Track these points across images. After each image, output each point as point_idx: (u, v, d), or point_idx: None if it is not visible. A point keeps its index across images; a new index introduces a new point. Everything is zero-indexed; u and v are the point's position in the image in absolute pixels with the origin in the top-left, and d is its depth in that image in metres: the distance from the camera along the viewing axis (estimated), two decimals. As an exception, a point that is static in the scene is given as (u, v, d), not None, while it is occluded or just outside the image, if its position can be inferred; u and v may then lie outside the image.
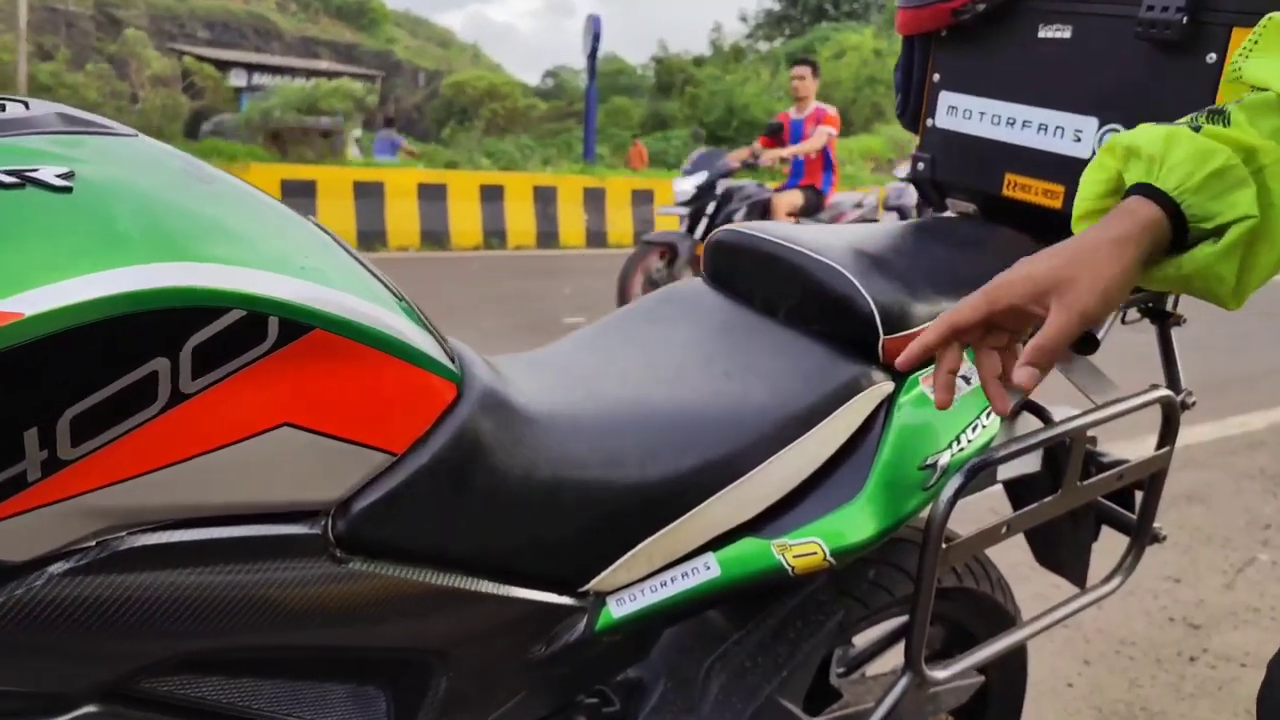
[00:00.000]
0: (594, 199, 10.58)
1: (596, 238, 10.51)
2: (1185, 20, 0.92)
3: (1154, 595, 2.31)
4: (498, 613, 0.77)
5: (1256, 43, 0.70)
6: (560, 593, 0.80)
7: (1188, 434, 1.10)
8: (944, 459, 0.93)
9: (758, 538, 0.87)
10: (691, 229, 5.50)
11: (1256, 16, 0.74)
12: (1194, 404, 1.11)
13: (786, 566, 0.86)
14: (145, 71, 16.45)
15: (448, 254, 9.19)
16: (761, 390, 0.90)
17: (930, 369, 0.86)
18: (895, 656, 1.10)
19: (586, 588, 0.82)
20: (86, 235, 0.54)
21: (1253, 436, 3.69)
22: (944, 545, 0.90)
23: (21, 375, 0.51)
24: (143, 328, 0.54)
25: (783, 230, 1.03)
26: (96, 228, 0.54)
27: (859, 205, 6.07)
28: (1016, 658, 1.31)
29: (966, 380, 0.95)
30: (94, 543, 0.58)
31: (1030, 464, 1.10)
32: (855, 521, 0.88)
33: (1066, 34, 1.05)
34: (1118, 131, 0.98)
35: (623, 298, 5.37)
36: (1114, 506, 1.15)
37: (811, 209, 5.79)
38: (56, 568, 0.57)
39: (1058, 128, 1.07)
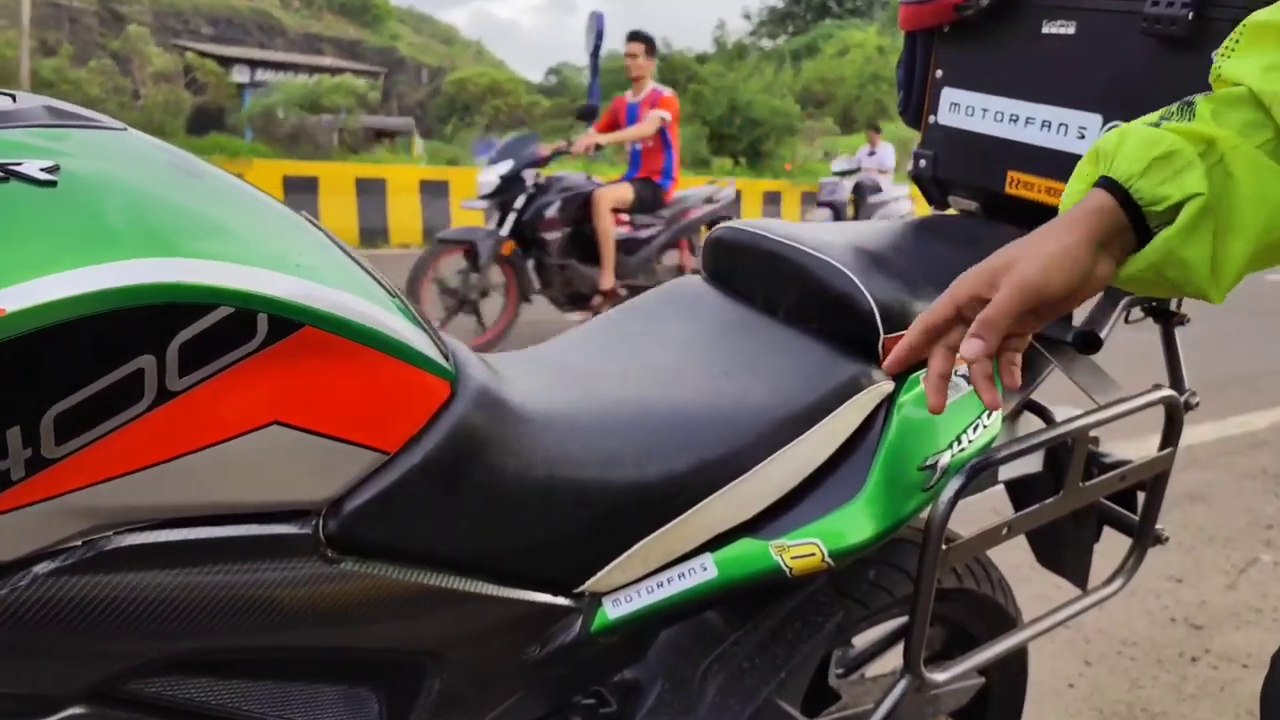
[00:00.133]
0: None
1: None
2: (1191, 16, 0.91)
3: (1156, 595, 2.30)
4: (492, 613, 0.76)
5: (1238, 42, 0.70)
6: (556, 593, 0.79)
7: (1189, 433, 1.10)
8: (944, 459, 0.92)
9: (756, 538, 0.86)
10: (501, 224, 4.86)
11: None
12: (1198, 404, 1.10)
13: (784, 567, 0.85)
14: (147, 68, 16.45)
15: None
16: (760, 389, 0.89)
17: None
18: (895, 657, 1.09)
19: (582, 588, 0.81)
20: (71, 230, 0.53)
21: (1255, 436, 3.68)
22: (944, 546, 0.90)
23: (3, 372, 0.50)
24: (128, 324, 0.53)
25: (783, 228, 1.02)
26: (81, 222, 0.53)
27: (710, 200, 5.45)
28: (1017, 659, 1.30)
29: (967, 380, 0.94)
30: (80, 542, 0.57)
31: (1032, 464, 1.09)
32: (854, 522, 0.87)
33: (1071, 29, 1.04)
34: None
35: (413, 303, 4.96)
36: (1116, 507, 1.14)
37: (647, 204, 5.21)
38: (42, 568, 0.56)
39: (1061, 124, 1.06)
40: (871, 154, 10.58)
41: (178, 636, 0.62)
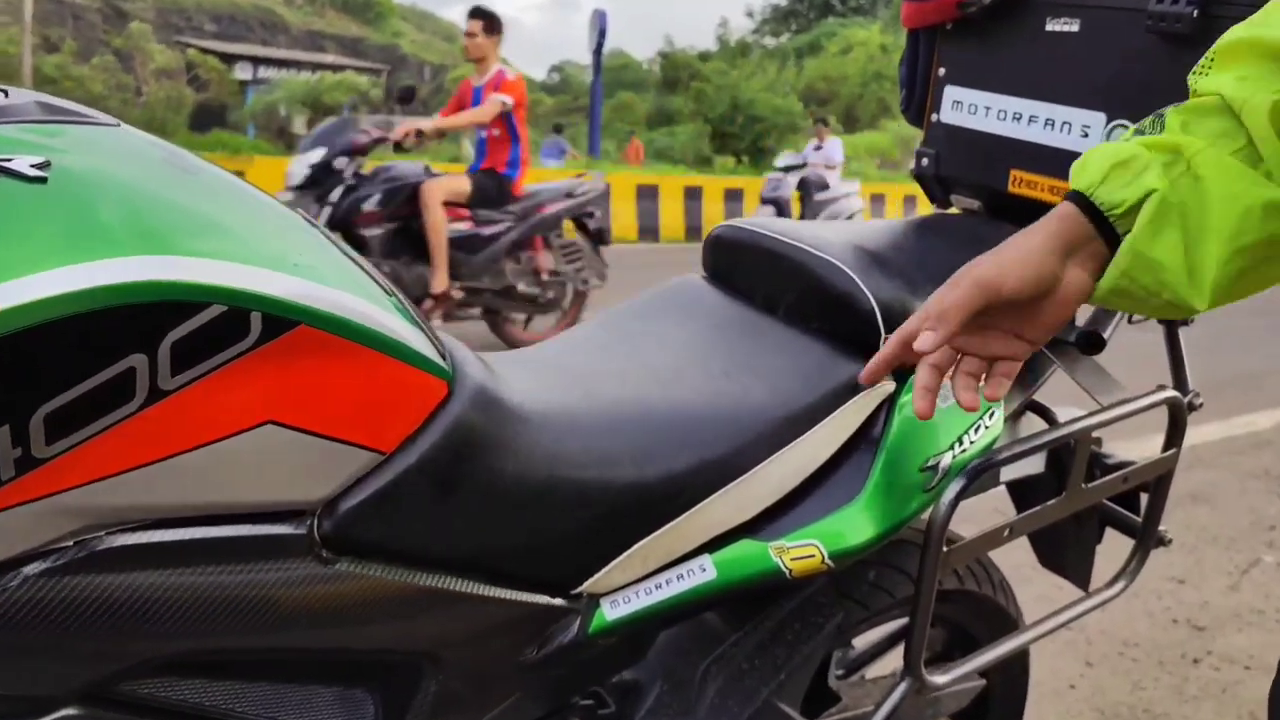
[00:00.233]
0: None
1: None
2: (1196, 14, 0.90)
3: (1158, 596, 2.29)
4: (489, 615, 0.75)
5: (1212, 62, 0.71)
6: (553, 595, 0.79)
7: (1193, 433, 1.09)
8: (946, 460, 0.91)
9: (755, 539, 0.85)
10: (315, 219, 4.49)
11: None
12: (1201, 405, 1.10)
13: (784, 569, 0.84)
14: (150, 65, 16.46)
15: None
16: (760, 389, 0.88)
17: None
18: (896, 657, 1.08)
19: (580, 589, 0.80)
20: (61, 227, 0.52)
21: (1259, 436, 3.67)
22: (945, 548, 0.89)
23: None
24: (118, 322, 0.52)
25: (784, 226, 1.02)
26: (71, 219, 0.53)
27: (571, 195, 4.95)
28: (1019, 661, 1.29)
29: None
30: (71, 543, 0.56)
31: (1034, 465, 1.08)
32: (854, 524, 0.86)
33: (1075, 27, 1.03)
34: (1126, 127, 0.96)
35: None
36: (1118, 509, 1.14)
37: (490, 198, 4.69)
38: (32, 568, 0.55)
39: (1065, 123, 1.05)
40: (818, 148, 10.29)
41: (171, 637, 0.61)
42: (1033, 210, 1.09)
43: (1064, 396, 1.10)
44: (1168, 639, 2.10)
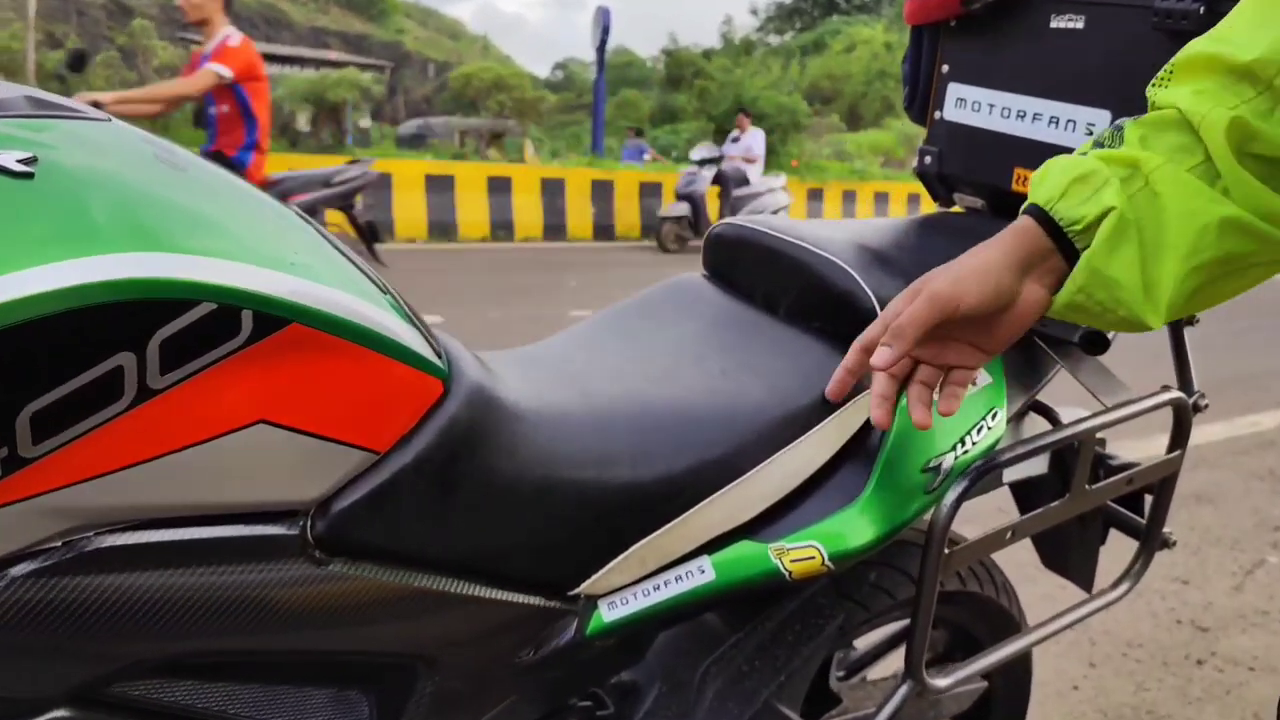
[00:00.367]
0: (602, 191, 10.56)
1: (604, 230, 10.48)
2: (1202, 10, 0.89)
3: (1162, 597, 2.28)
4: (485, 616, 0.75)
5: (1171, 74, 0.71)
6: (550, 596, 0.78)
7: (1197, 433, 1.09)
8: (948, 461, 0.90)
9: (754, 541, 0.84)
10: None
11: None
12: (1206, 406, 1.09)
13: (783, 571, 0.83)
14: (153, 61, 16.46)
15: (455, 245, 9.17)
16: (760, 389, 0.87)
17: None
18: (897, 659, 1.07)
19: (577, 591, 0.79)
20: (48, 223, 0.51)
21: (1263, 436, 3.66)
22: (947, 550, 0.88)
23: None
24: (106, 320, 0.51)
25: (784, 224, 1.01)
26: (59, 215, 0.52)
27: (327, 184, 4.38)
28: (1021, 662, 1.28)
29: (974, 383, 0.92)
30: (60, 543, 0.56)
31: (1037, 466, 1.07)
32: (855, 525, 0.85)
33: (1079, 24, 1.02)
34: None
35: None
36: (1122, 510, 1.13)
37: None
38: (20, 569, 0.54)
39: (1069, 121, 1.04)
40: (736, 140, 9.72)
41: (162, 639, 0.61)
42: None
43: (1068, 397, 1.09)
44: (1172, 640, 2.09)
